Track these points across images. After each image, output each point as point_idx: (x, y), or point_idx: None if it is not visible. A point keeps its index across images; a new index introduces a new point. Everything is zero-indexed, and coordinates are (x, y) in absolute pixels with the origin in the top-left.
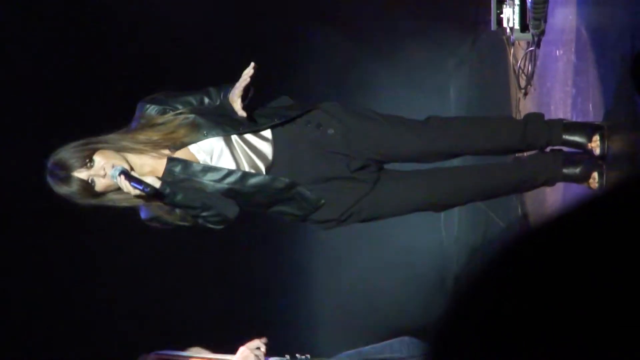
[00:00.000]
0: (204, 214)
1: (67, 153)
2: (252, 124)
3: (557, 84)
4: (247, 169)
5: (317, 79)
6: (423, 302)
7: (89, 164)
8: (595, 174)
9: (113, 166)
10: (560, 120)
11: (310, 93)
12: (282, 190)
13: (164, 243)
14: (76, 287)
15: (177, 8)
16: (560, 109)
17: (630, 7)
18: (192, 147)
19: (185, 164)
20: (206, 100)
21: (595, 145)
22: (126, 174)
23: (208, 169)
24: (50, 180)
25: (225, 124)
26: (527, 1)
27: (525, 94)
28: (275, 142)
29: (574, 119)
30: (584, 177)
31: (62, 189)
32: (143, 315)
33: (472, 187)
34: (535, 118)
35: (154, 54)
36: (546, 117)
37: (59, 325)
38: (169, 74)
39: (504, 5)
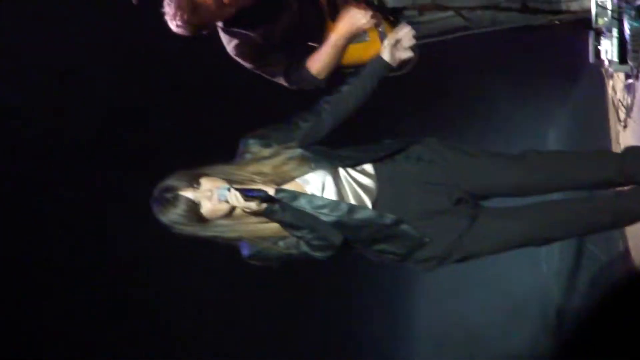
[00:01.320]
0: (310, 236)
1: (173, 178)
2: (354, 158)
3: None
4: (352, 202)
5: (410, 121)
6: (525, 337)
7: (195, 186)
8: None
9: (219, 189)
10: None
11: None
12: (388, 227)
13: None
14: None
15: None
16: None
17: None
18: (300, 180)
19: (294, 194)
20: (302, 124)
21: None
22: (236, 189)
23: (316, 199)
24: (156, 208)
25: (331, 157)
26: (626, 33)
27: (625, 126)
28: (378, 178)
29: None
30: None
31: (168, 213)
32: None
33: (572, 221)
34: (634, 151)
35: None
36: None
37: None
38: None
39: (602, 38)
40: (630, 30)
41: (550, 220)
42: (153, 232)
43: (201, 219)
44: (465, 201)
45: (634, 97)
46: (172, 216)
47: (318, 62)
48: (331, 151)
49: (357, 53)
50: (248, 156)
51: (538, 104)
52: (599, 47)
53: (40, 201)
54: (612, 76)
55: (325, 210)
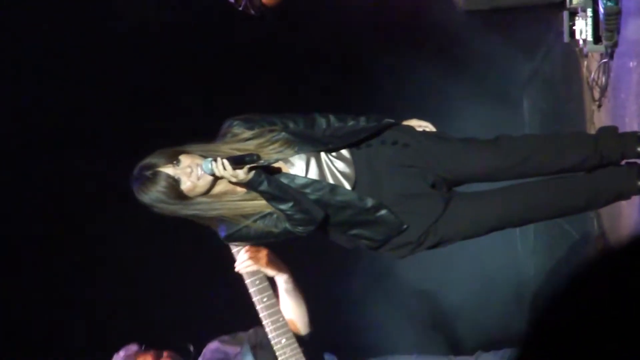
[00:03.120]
0: (293, 209)
1: (152, 156)
2: (336, 142)
3: (631, 96)
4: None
5: (391, 95)
6: (499, 316)
7: (175, 163)
8: None
9: (199, 165)
10: (635, 132)
11: (386, 108)
12: (367, 210)
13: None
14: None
15: None
16: (634, 121)
17: None
18: (283, 162)
19: (276, 174)
20: (291, 124)
21: None
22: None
23: (298, 178)
24: (135, 186)
25: (314, 140)
26: (600, 13)
27: (599, 106)
28: (355, 162)
29: None
30: None
31: (148, 191)
32: None
33: (547, 204)
34: (608, 131)
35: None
36: (620, 130)
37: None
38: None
39: (577, 18)
40: (604, 9)
41: (525, 203)
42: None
43: (181, 196)
44: (440, 186)
45: (608, 77)
46: (152, 194)
47: None
48: (313, 133)
49: None
50: (229, 136)
51: (511, 85)
52: (573, 27)
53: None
54: (586, 56)
55: (307, 190)
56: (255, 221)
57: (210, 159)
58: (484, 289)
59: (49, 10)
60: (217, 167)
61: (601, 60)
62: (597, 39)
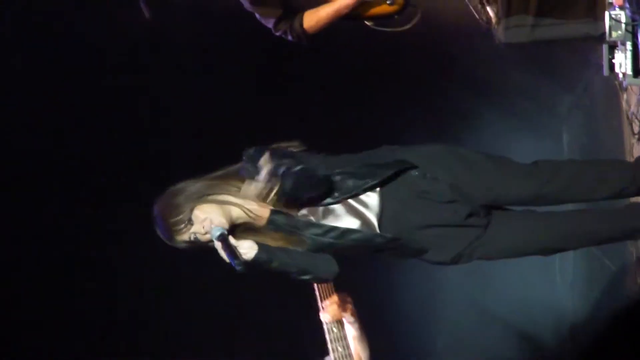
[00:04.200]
0: (301, 277)
1: (164, 221)
2: (344, 189)
3: None
4: (352, 221)
5: (431, 124)
6: (537, 348)
7: (187, 225)
8: None
9: (212, 225)
10: None
11: (425, 139)
12: (384, 244)
13: None
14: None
15: None
16: None
17: None
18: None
19: (288, 217)
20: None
21: None
22: (224, 240)
23: (311, 224)
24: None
25: (333, 188)
26: (639, 46)
27: (639, 139)
28: (382, 195)
29: None
30: None
31: (173, 245)
32: None
33: (584, 232)
34: None
35: None
36: None
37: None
38: None
39: (616, 51)
40: None
41: (563, 230)
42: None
43: (205, 246)
44: (476, 213)
45: None
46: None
47: (314, 19)
48: (334, 176)
49: (379, 9)
50: (251, 170)
51: (551, 118)
52: (612, 60)
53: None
54: (626, 89)
55: (319, 232)
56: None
57: (217, 230)
58: (522, 319)
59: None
60: (217, 247)
61: None
62: (636, 72)
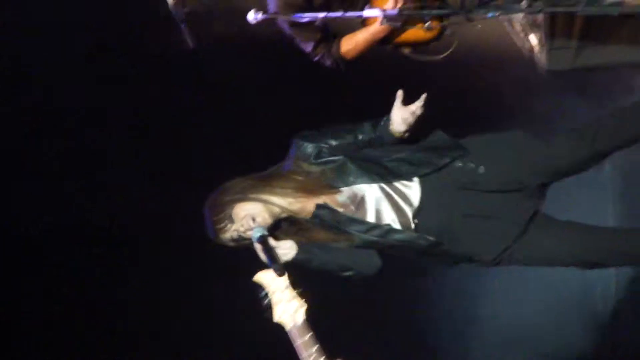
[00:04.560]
0: (343, 274)
1: (209, 219)
2: (398, 173)
3: None
4: (392, 215)
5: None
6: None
7: (229, 223)
8: None
9: (254, 220)
10: None
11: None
12: (426, 248)
13: None
14: None
15: None
16: None
17: None
18: (338, 194)
19: (333, 212)
20: (360, 136)
21: None
22: (264, 242)
23: (354, 220)
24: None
25: (373, 172)
26: None
27: None
28: (423, 186)
29: None
30: None
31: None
32: None
33: (627, 251)
34: None
35: None
36: None
37: None
38: None
39: None
40: None
41: (605, 245)
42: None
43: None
44: (523, 199)
45: None
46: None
47: (351, 44)
48: (377, 163)
49: (415, 34)
50: (298, 162)
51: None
52: None
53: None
54: None
55: (363, 230)
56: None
57: (258, 231)
58: (566, 350)
59: None
60: (256, 248)
61: None
62: None
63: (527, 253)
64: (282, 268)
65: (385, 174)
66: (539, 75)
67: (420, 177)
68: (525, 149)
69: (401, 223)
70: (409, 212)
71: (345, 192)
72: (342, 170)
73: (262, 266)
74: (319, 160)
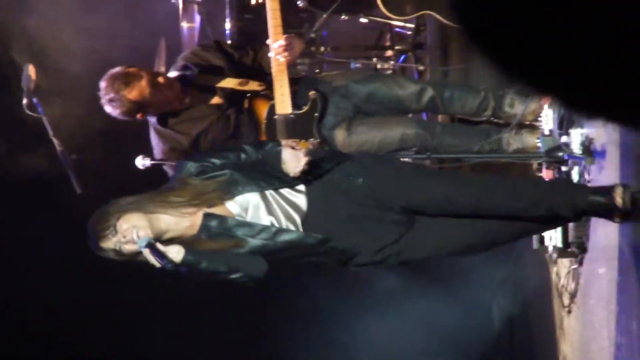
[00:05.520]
0: (231, 277)
1: (92, 227)
2: (285, 181)
3: (601, 302)
4: (282, 221)
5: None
6: None
7: (113, 232)
8: None
9: (137, 234)
10: None
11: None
12: (314, 246)
13: None
14: None
15: None
16: (604, 327)
17: None
18: (228, 202)
19: (221, 219)
20: (242, 156)
21: None
22: (151, 246)
23: (243, 224)
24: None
25: (260, 179)
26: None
27: (569, 312)
28: (309, 194)
29: (618, 338)
30: None
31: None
32: None
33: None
34: None
35: None
36: (590, 336)
37: None
38: None
39: None
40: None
41: (488, 225)
42: None
43: (131, 258)
44: (399, 215)
45: (577, 283)
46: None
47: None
48: (262, 171)
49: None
50: (181, 181)
51: (481, 290)
52: (542, 233)
53: None
54: (556, 262)
55: (252, 233)
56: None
57: (144, 240)
58: None
59: None
60: (145, 254)
61: (571, 266)
62: (566, 245)
63: (418, 243)
64: (173, 262)
65: (272, 182)
66: None
67: (306, 185)
68: (399, 175)
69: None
70: (298, 219)
71: (236, 201)
72: (230, 182)
73: None
74: (204, 177)
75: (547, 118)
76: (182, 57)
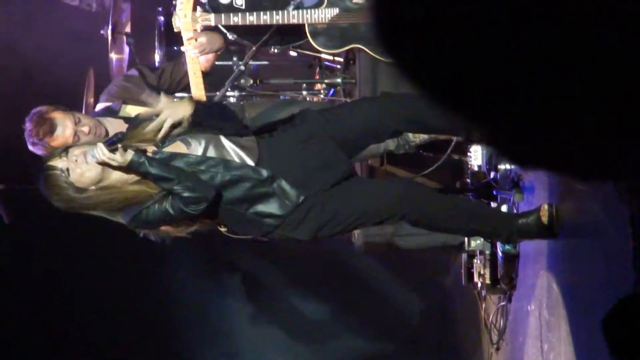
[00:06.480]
0: (179, 188)
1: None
2: (238, 131)
3: (529, 339)
4: (235, 159)
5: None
6: None
7: (62, 155)
8: None
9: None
10: None
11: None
12: (264, 182)
13: None
14: None
15: None
16: None
17: (600, 263)
18: (181, 141)
19: (170, 154)
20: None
21: None
22: (110, 144)
23: (191, 157)
24: (39, 182)
25: (215, 127)
26: (498, 257)
27: (497, 349)
28: (258, 141)
29: None
30: None
31: (47, 191)
32: None
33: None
34: None
35: None
36: None
37: None
38: None
39: (475, 260)
40: (503, 253)
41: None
42: None
43: (77, 190)
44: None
45: (506, 320)
46: (49, 193)
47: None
48: (217, 122)
49: None
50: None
51: (407, 327)
52: (472, 269)
53: None
54: (485, 299)
55: (201, 167)
56: (149, 206)
57: (93, 147)
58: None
59: None
60: (97, 152)
61: (499, 303)
62: (495, 282)
63: (341, 198)
64: (123, 134)
65: (225, 129)
66: (355, 253)
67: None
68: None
69: None
70: (251, 161)
71: (191, 141)
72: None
73: None
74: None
75: (476, 154)
76: (106, 91)
